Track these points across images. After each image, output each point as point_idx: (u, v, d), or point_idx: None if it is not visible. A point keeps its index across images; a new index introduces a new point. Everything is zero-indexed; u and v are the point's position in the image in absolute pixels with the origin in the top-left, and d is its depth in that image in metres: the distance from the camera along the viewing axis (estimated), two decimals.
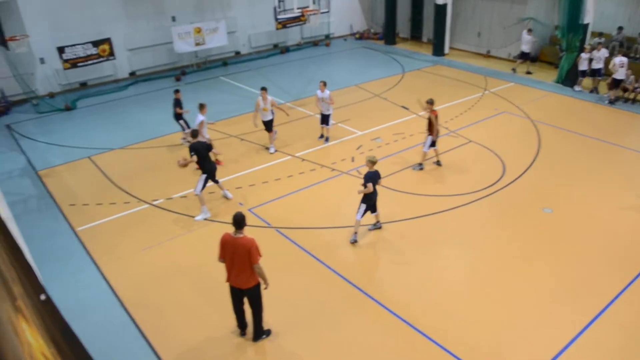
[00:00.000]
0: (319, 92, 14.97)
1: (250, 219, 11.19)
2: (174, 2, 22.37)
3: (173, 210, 12.04)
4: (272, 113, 14.69)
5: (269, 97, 14.54)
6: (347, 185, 13.14)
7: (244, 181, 13.35)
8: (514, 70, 22.58)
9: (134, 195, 12.78)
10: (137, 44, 21.83)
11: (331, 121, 15.70)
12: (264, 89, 14.47)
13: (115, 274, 9.97)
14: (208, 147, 11.65)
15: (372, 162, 10.60)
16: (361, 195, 10.67)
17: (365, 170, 10.73)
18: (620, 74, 18.24)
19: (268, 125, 14.81)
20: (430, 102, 13.42)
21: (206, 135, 13.80)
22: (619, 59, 18.05)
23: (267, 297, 8.26)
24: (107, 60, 20.47)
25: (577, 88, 20.10)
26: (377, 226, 11.27)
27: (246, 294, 8.00)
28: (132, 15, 21.37)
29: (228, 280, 7.93)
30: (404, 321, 8.68)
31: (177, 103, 15.10)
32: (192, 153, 11.41)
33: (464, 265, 10.25)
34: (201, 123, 13.32)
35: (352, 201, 12.38)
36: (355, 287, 9.51)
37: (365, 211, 10.76)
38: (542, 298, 9.22)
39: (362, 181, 10.70)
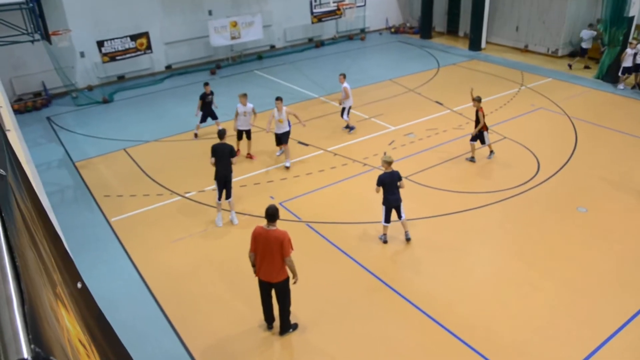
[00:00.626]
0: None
1: (280, 213, 11.29)
2: None
3: (205, 203, 12.20)
4: (289, 124, 13.78)
5: (284, 107, 13.62)
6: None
7: (276, 175, 13.44)
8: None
9: (167, 187, 13.00)
10: (173, 37, 22.14)
11: (345, 116, 15.80)
12: (279, 99, 13.61)
13: (146, 265, 10.18)
14: (231, 151, 10.95)
15: (388, 163, 10.19)
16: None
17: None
18: None
19: (284, 138, 13.69)
20: (478, 100, 13.38)
21: (239, 126, 14.11)
22: None
23: (296, 290, 8.34)
24: (145, 54, 20.83)
25: (620, 86, 19.47)
26: (406, 237, 10.74)
27: (275, 288, 8.03)
28: (170, 9, 21.67)
29: (257, 274, 7.98)
30: (430, 317, 8.65)
31: (205, 97, 15.44)
32: (212, 155, 10.98)
33: (493, 263, 10.14)
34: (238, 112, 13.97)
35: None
36: (382, 282, 9.52)
37: (385, 215, 10.48)
38: (573, 298, 9.07)
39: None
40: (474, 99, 13.53)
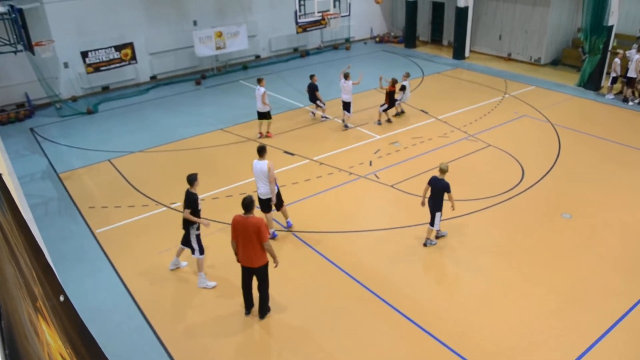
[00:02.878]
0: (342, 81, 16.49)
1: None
2: (195, 6, 22.59)
3: None
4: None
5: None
6: (365, 189, 13.15)
7: None
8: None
9: (152, 198, 12.93)
10: (158, 48, 22.09)
11: (351, 111, 16.79)
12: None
13: (132, 276, 10.10)
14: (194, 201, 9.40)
15: (441, 170, 10.47)
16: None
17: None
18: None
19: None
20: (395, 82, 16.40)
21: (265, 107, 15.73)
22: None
23: (284, 298, 8.44)
24: (129, 64, 20.77)
25: (609, 96, 19.62)
26: (424, 243, 10.88)
27: (255, 273, 8.54)
28: (155, 19, 21.64)
29: (239, 260, 8.49)
30: (419, 326, 8.67)
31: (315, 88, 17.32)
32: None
33: (480, 271, 10.18)
34: (264, 94, 15.53)
35: (369, 205, 12.41)
36: (370, 291, 9.51)
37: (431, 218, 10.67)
38: (560, 303, 9.14)
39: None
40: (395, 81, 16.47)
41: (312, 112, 18.09)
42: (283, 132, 16.66)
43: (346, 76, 16.36)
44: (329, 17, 21.46)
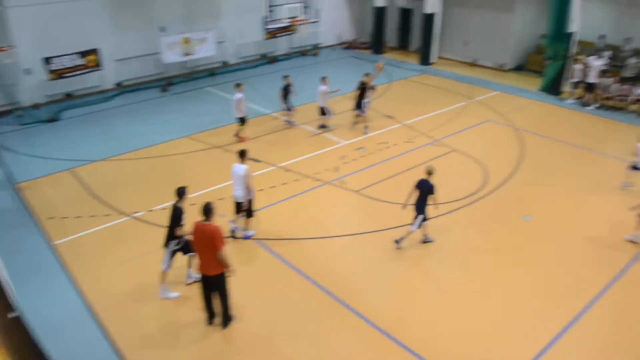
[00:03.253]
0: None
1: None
2: (162, 12, 22.36)
3: (154, 223, 11.97)
4: None
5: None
6: (331, 195, 13.15)
7: (227, 192, 13.25)
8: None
9: (115, 207, 12.71)
10: (124, 54, 21.79)
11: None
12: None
13: (93, 288, 9.87)
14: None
15: (429, 172, 10.72)
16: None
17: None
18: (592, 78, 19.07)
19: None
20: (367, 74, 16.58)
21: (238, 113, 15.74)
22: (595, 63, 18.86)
23: (249, 307, 8.41)
24: (94, 70, 20.45)
25: (570, 101, 20.07)
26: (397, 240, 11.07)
27: (212, 281, 8.38)
28: (121, 25, 21.35)
29: (199, 268, 8.40)
30: (383, 332, 8.69)
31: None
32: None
33: (442, 275, 10.26)
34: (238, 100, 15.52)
35: (335, 212, 12.41)
36: (335, 298, 9.50)
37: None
38: (519, 305, 9.31)
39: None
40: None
41: (287, 120, 17.98)
42: (250, 138, 16.58)
43: (323, 80, 16.82)
44: (297, 23, 21.47)
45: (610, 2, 22.92)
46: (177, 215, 9.05)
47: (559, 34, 20.18)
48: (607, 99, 19.21)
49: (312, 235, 11.47)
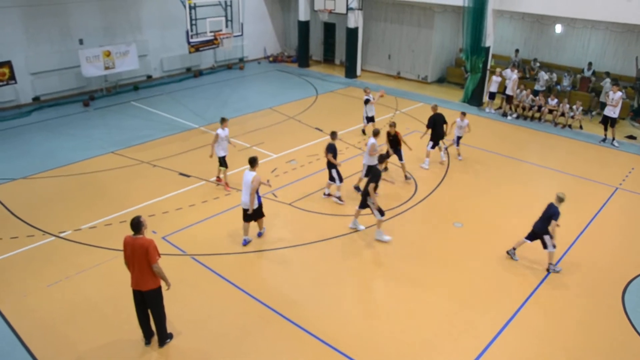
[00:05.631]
0: None
1: (164, 248, 10.96)
2: (80, 24, 21.63)
3: (82, 242, 11.54)
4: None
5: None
6: (264, 208, 13.10)
7: (157, 208, 13.03)
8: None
9: (38, 227, 12.14)
10: (41, 67, 20.89)
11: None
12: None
13: (17, 314, 9.35)
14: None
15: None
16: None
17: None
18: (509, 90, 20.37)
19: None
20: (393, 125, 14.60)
21: (220, 152, 13.90)
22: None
23: (186, 325, 8.18)
24: (7, 84, 19.47)
25: (487, 110, 21.25)
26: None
27: (145, 297, 8.17)
28: (35, 37, 20.45)
29: (131, 284, 8.16)
30: (323, 342, 8.74)
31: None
32: None
33: (380, 282, 10.48)
34: (216, 137, 13.74)
35: (268, 225, 12.40)
36: (273, 310, 9.49)
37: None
38: (455, 308, 9.65)
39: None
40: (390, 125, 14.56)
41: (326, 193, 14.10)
42: (178, 153, 16.31)
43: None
44: (221, 36, 21.34)
45: (519, 19, 24.34)
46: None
47: (476, 48, 21.21)
48: (524, 109, 20.35)
49: (246, 249, 11.41)
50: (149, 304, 8.31)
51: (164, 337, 8.62)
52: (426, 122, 15.78)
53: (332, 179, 13.37)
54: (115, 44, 22.28)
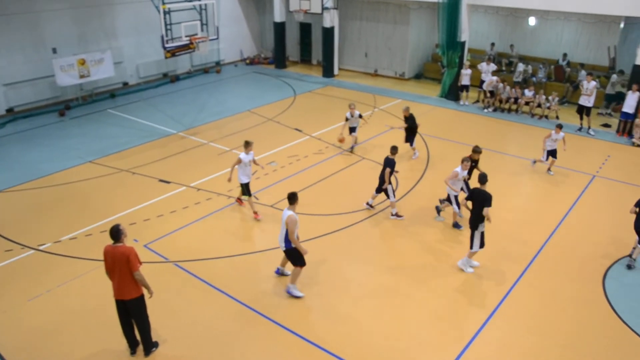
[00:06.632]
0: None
1: (146, 256, 10.89)
2: (53, 32, 21.35)
3: (62, 254, 11.39)
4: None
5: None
6: (245, 211, 13.09)
7: (138, 216, 12.91)
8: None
9: (16, 241, 11.96)
10: (13, 78, 20.58)
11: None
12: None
13: None
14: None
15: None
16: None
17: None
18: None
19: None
20: (478, 151, 12.94)
21: (242, 178, 12.46)
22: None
23: (172, 331, 8.14)
24: None
25: (462, 102, 21.50)
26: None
27: (128, 306, 8.09)
28: (7, 47, 20.14)
29: (113, 294, 8.07)
30: (311, 342, 8.74)
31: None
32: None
33: (365, 279, 10.49)
34: (238, 161, 12.30)
35: (251, 228, 12.37)
36: (259, 313, 9.47)
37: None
38: (439, 302, 9.70)
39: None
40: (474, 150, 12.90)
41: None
42: (156, 160, 16.19)
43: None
44: (197, 40, 21.21)
45: (494, 13, 24.57)
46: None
47: (452, 43, 21.35)
48: (501, 102, 20.53)
49: (229, 253, 11.36)
50: (133, 313, 8.23)
51: (150, 346, 8.54)
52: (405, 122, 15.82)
53: (387, 195, 12.68)
54: (90, 52, 22.04)
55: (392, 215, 12.72)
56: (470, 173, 12.71)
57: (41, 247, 11.72)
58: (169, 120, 19.80)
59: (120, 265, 7.80)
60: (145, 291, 8.13)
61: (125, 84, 24.47)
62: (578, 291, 10.07)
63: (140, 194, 14.03)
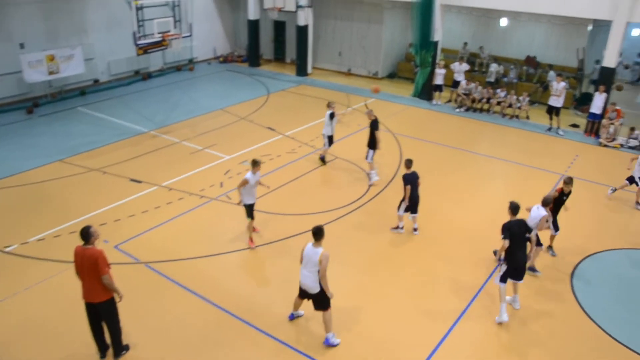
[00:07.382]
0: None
1: (116, 257, 10.75)
2: (20, 27, 20.86)
3: (29, 256, 11.15)
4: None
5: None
6: (218, 211, 13.02)
7: (109, 216, 12.72)
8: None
9: None
10: None
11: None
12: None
13: None
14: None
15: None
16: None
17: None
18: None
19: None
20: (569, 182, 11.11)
21: (247, 199, 11.28)
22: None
23: (143, 335, 8.05)
24: None
25: (435, 102, 21.72)
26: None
27: (98, 309, 7.98)
28: None
29: (82, 296, 7.96)
30: (287, 345, 8.72)
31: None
32: None
33: (341, 279, 10.46)
34: (244, 182, 11.06)
35: (223, 227, 12.29)
36: (233, 315, 9.40)
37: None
38: (414, 300, 9.79)
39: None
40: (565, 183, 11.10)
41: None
42: (128, 159, 15.97)
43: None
44: (170, 38, 20.97)
45: (467, 13, 24.82)
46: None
47: (425, 42, 21.50)
48: (473, 101, 20.77)
49: (201, 254, 11.27)
50: (103, 316, 8.11)
51: (120, 350, 8.41)
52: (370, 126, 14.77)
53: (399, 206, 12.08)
54: (60, 48, 21.59)
55: (393, 228, 12.34)
56: (558, 209, 11.20)
57: (7, 249, 11.46)
58: (140, 119, 19.55)
59: (89, 268, 7.68)
60: (115, 294, 8.01)
61: (96, 81, 24.07)
62: (547, 290, 10.24)
63: (111, 193, 13.82)
